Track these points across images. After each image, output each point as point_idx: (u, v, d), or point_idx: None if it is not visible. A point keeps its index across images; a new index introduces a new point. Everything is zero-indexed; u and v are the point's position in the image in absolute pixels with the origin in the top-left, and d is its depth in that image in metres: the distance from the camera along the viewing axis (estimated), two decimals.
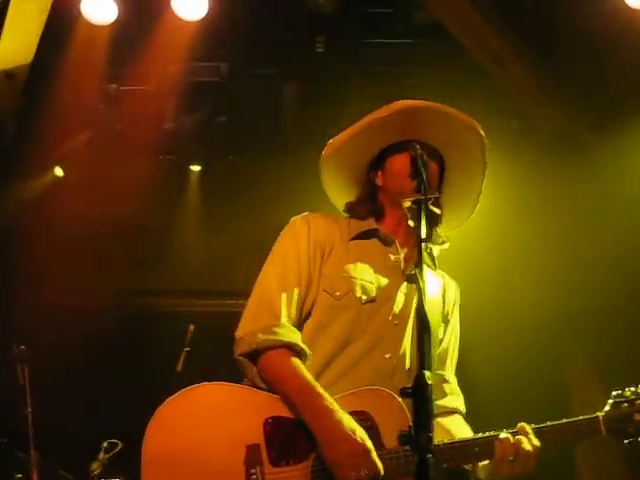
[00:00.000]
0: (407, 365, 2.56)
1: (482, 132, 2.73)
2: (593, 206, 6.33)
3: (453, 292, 2.87)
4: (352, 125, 2.80)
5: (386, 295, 2.61)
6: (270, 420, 2.34)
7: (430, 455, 1.75)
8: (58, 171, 7.16)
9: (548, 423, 2.43)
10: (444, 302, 2.81)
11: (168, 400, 2.36)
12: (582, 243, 6.44)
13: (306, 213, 2.77)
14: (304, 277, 2.58)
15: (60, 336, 6.55)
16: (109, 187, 6.79)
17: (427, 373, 1.85)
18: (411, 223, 2.31)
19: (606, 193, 6.15)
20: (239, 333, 2.49)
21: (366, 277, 2.62)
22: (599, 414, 2.44)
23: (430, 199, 2.25)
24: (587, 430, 2.43)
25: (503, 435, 2.38)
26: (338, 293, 2.57)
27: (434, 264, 2.76)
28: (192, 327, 5.66)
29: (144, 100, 6.52)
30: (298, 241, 2.64)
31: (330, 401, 2.33)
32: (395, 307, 2.61)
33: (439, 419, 2.65)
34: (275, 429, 2.33)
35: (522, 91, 6.30)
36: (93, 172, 6.90)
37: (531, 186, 6.38)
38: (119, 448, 5.42)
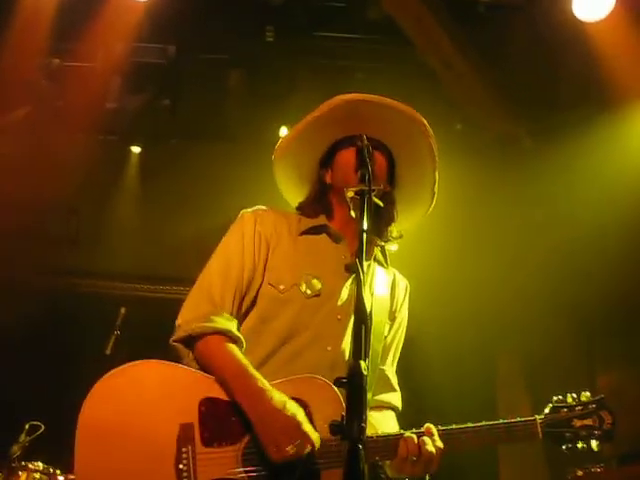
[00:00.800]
0: (347, 358, 2.56)
1: (424, 121, 2.73)
2: (532, 208, 6.47)
3: (402, 290, 2.88)
4: (297, 123, 2.79)
5: (331, 290, 2.62)
6: (205, 400, 2.35)
7: (361, 445, 1.74)
8: None
9: (483, 423, 2.42)
10: (392, 299, 2.82)
11: (106, 375, 2.36)
12: (517, 245, 6.58)
13: (256, 207, 2.77)
14: (247, 270, 2.59)
15: None
16: (45, 163, 6.61)
17: (363, 363, 1.84)
18: (353, 214, 2.31)
19: (545, 195, 6.29)
20: (178, 321, 2.52)
21: (312, 272, 2.62)
22: (537, 417, 2.44)
23: (374, 190, 2.24)
24: (523, 433, 2.42)
25: (408, 435, 2.37)
26: (282, 287, 2.58)
27: (386, 261, 2.77)
28: (123, 310, 5.56)
29: (87, 77, 6.38)
30: (244, 234, 2.65)
31: (262, 382, 2.34)
32: (339, 302, 2.61)
33: (371, 413, 2.65)
34: (209, 410, 2.33)
35: (468, 95, 6.37)
36: (30, 147, 6.71)
37: (472, 188, 6.47)
38: (41, 431, 5.29)
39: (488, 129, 6.70)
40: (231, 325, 2.50)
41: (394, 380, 2.81)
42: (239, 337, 2.48)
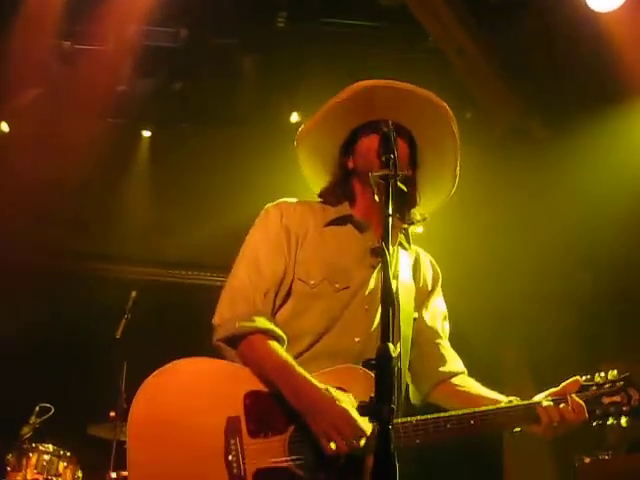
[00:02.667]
0: (374, 348, 2.57)
1: (445, 104, 2.71)
2: (540, 199, 6.47)
3: (430, 267, 2.90)
4: (317, 110, 2.78)
5: (360, 281, 2.63)
6: (250, 393, 2.40)
7: (391, 427, 1.76)
8: (4, 126, 6.95)
9: (518, 402, 2.48)
10: (418, 279, 2.83)
11: (153, 374, 2.42)
12: (523, 234, 6.58)
13: (280, 200, 2.76)
14: (279, 267, 2.60)
15: None
16: (56, 146, 6.61)
17: (391, 346, 1.85)
18: (377, 198, 2.32)
19: (554, 186, 6.29)
20: (217, 320, 2.54)
21: (341, 264, 2.63)
22: (568, 395, 2.47)
23: (398, 175, 2.25)
24: None
25: (545, 403, 2.44)
26: (312, 282, 2.59)
27: (408, 242, 2.77)
28: (134, 294, 5.58)
29: (99, 60, 6.36)
30: (271, 230, 2.65)
31: (309, 379, 2.37)
32: (367, 292, 2.62)
33: (451, 380, 2.76)
34: (254, 402, 2.39)
35: (480, 83, 6.35)
36: (40, 130, 6.72)
37: (480, 178, 6.46)
38: (51, 413, 5.33)
39: (499, 118, 6.68)
40: (271, 323, 2.53)
41: (451, 349, 2.85)
42: (281, 335, 2.51)
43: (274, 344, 2.47)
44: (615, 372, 2.53)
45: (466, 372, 2.84)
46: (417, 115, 2.71)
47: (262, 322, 2.50)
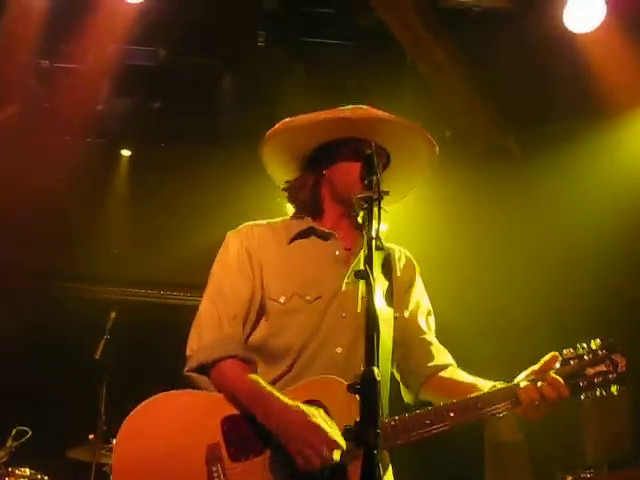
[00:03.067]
0: (358, 356, 2.55)
1: (436, 150, 2.74)
2: (519, 215, 6.52)
3: (404, 259, 2.88)
4: (311, 112, 2.73)
5: (332, 289, 2.61)
6: (226, 419, 2.42)
7: (377, 452, 1.75)
8: None
9: (497, 384, 2.45)
10: (389, 275, 2.79)
11: (130, 415, 2.45)
12: (506, 249, 6.61)
13: (241, 226, 2.76)
14: (243, 290, 2.61)
15: None
16: (33, 165, 6.56)
17: (375, 370, 1.85)
18: (360, 220, 2.31)
19: (534, 203, 6.34)
20: (188, 352, 2.57)
21: (308, 276, 2.62)
22: (550, 373, 2.42)
23: (382, 197, 2.25)
24: None
25: (524, 384, 2.41)
26: (283, 299, 2.58)
27: (381, 243, 2.76)
28: (113, 314, 5.55)
29: (77, 79, 6.34)
30: (232, 256, 2.66)
31: (279, 397, 2.37)
32: (343, 300, 2.60)
33: (440, 374, 2.72)
34: (232, 427, 2.40)
35: (458, 102, 6.41)
36: (18, 149, 6.65)
37: (458, 196, 6.51)
38: (28, 436, 5.26)
39: (476, 137, 6.73)
40: (239, 348, 2.54)
41: (437, 343, 2.81)
42: (249, 357, 2.54)
43: (242, 368, 2.50)
44: (598, 341, 2.47)
45: (455, 364, 2.79)
46: (396, 138, 2.71)
47: (230, 347, 2.52)
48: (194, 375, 2.53)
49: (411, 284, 2.86)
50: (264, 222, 2.80)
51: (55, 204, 6.73)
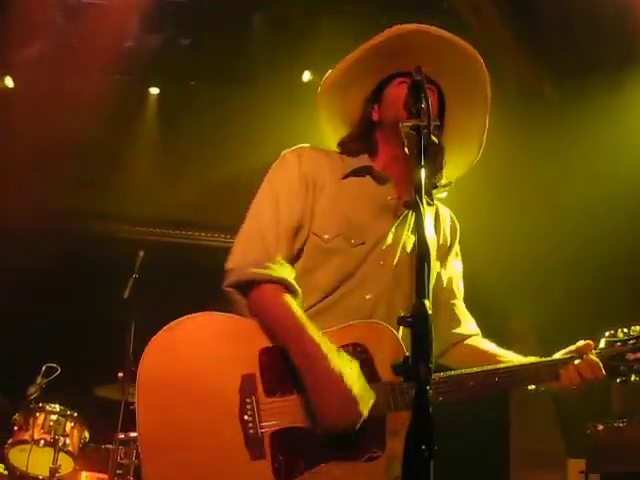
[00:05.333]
0: (386, 306, 2.49)
1: (480, 59, 2.60)
2: (555, 163, 6.37)
3: (449, 220, 2.81)
4: (344, 58, 2.64)
5: (377, 236, 2.52)
6: (265, 350, 2.30)
7: (429, 387, 1.68)
8: (8, 81, 6.80)
9: (541, 359, 2.47)
10: (439, 234, 2.75)
11: (164, 328, 2.29)
12: (537, 198, 6.50)
13: (298, 146, 2.62)
14: (296, 214, 2.48)
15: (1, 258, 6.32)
16: (61, 103, 6.46)
17: (427, 302, 1.77)
18: (407, 150, 2.21)
19: (569, 151, 6.19)
20: (229, 265, 2.40)
21: (357, 218, 2.52)
22: (593, 352, 2.47)
23: (430, 124, 2.13)
24: None
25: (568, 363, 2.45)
26: (327, 236, 2.47)
27: (431, 199, 2.68)
28: (142, 253, 5.50)
29: (105, 15, 6.21)
30: (290, 177, 2.52)
31: (319, 345, 2.24)
32: (384, 246, 2.52)
33: (465, 342, 2.74)
34: (270, 360, 2.28)
35: (496, 43, 6.22)
36: (45, 86, 6.58)
37: (497, 137, 6.36)
38: (58, 373, 5.28)
39: (513, 81, 6.56)
40: (287, 274, 2.39)
41: (466, 311, 2.82)
42: (296, 288, 2.38)
43: (287, 299, 2.33)
44: (638, 328, 2.52)
45: (480, 334, 2.79)
46: (450, 66, 2.58)
47: (276, 270, 2.36)
48: (233, 292, 2.37)
49: (452, 244, 2.81)
50: (322, 149, 2.67)
51: (83, 143, 6.67)
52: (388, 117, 2.57)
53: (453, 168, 2.74)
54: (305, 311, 2.38)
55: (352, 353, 2.29)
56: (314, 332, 2.26)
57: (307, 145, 2.64)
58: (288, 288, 2.36)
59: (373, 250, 2.51)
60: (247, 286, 2.36)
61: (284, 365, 2.27)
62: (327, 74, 2.68)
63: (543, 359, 2.48)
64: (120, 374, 5.23)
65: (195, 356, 2.28)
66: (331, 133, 2.79)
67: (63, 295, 6.71)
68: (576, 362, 2.43)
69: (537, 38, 6.21)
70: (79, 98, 6.41)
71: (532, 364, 2.46)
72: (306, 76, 6.61)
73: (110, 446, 5.31)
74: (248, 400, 2.23)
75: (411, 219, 2.59)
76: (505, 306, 7.00)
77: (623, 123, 5.70)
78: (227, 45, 6.54)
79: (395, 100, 2.53)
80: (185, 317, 2.30)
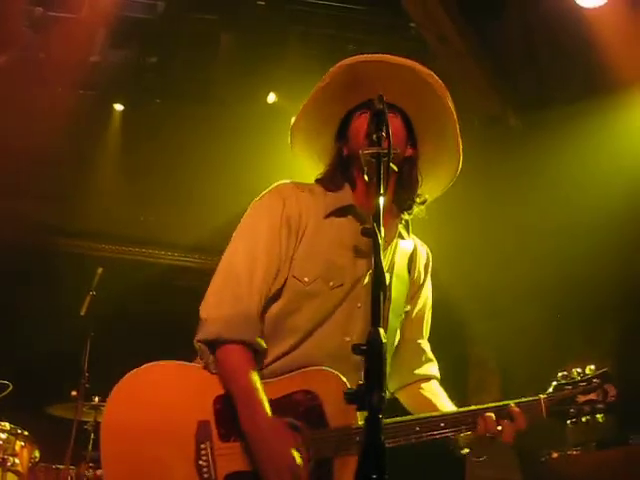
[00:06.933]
0: None
1: (436, 77, 2.57)
2: (516, 188, 6.45)
3: (424, 258, 2.81)
4: (306, 100, 2.64)
5: (355, 278, 2.53)
6: (219, 398, 2.37)
7: (381, 416, 1.67)
8: None
9: (489, 404, 2.46)
10: (413, 270, 2.74)
11: (124, 378, 2.39)
12: (498, 227, 6.55)
13: (282, 184, 2.61)
14: (274, 260, 2.48)
15: None
16: (25, 116, 6.39)
17: (381, 330, 1.77)
18: (366, 178, 2.22)
19: (531, 175, 6.27)
20: (202, 314, 2.44)
21: (337, 260, 2.52)
22: (541, 396, 2.48)
23: (390, 153, 2.12)
24: (527, 413, 2.45)
25: (487, 414, 2.44)
26: (306, 279, 2.48)
27: (407, 231, 2.67)
28: (100, 270, 5.44)
29: (72, 29, 6.16)
30: (272, 223, 2.51)
31: (266, 412, 2.31)
32: (362, 290, 2.53)
33: (419, 385, 2.76)
34: (224, 406, 2.36)
35: (460, 71, 6.28)
36: (7, 98, 6.47)
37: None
38: (9, 390, 5.17)
39: (477, 107, 6.63)
40: (254, 332, 2.43)
41: (429, 351, 2.83)
42: (261, 346, 2.43)
43: (249, 359, 2.39)
44: (593, 367, 2.53)
45: (438, 378, 2.81)
46: (406, 89, 2.56)
47: (245, 330, 2.40)
48: (203, 348, 2.41)
49: (424, 283, 2.81)
50: (305, 184, 2.65)
51: (46, 156, 6.59)
52: (354, 149, 2.56)
53: (434, 188, 2.73)
54: (285, 353, 2.46)
55: (302, 399, 2.37)
56: (263, 397, 2.33)
57: (290, 183, 2.63)
58: (253, 348, 2.42)
59: (350, 292, 2.52)
60: (215, 344, 2.40)
61: (237, 412, 2.33)
62: (294, 119, 2.66)
63: (465, 408, 2.49)
64: (74, 392, 5.14)
65: (154, 404, 2.37)
66: (310, 166, 2.77)
67: (17, 310, 6.60)
68: (492, 413, 2.42)
69: (501, 67, 6.30)
70: (43, 111, 6.34)
71: (451, 412, 2.50)
72: (271, 98, 6.62)
73: (61, 466, 5.20)
74: (203, 446, 2.31)
75: (389, 258, 2.60)
76: (465, 333, 7.03)
77: (584, 150, 5.79)
78: (193, 64, 6.54)
79: (357, 132, 2.53)
80: (141, 368, 2.39)
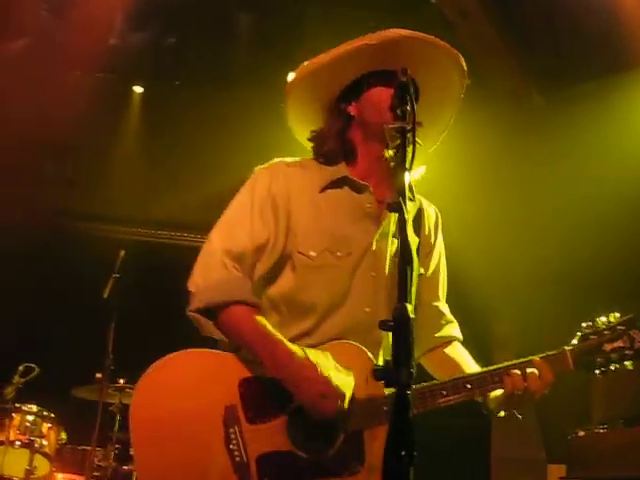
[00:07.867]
0: (385, 316, 2.46)
1: (465, 67, 2.54)
2: (537, 166, 6.38)
3: (433, 217, 2.76)
4: (327, 51, 2.55)
5: (362, 246, 2.50)
6: (243, 381, 2.37)
7: (409, 392, 1.65)
8: None
9: (514, 361, 2.40)
10: (421, 231, 2.69)
11: (148, 371, 2.39)
12: (520, 205, 6.49)
13: (272, 162, 2.57)
14: (259, 234, 2.46)
15: None
16: (44, 99, 6.38)
17: (409, 306, 1.74)
18: (390, 152, 2.17)
19: (553, 154, 6.20)
20: (191, 287, 2.41)
21: (340, 230, 2.49)
22: (566, 348, 2.42)
23: (415, 128, 2.09)
24: (555, 366, 2.39)
25: (513, 371, 2.38)
26: (313, 253, 2.45)
27: (412, 194, 2.63)
28: (123, 253, 5.44)
29: (90, 12, 6.15)
30: (256, 197, 2.49)
31: (288, 345, 2.31)
32: (373, 258, 2.50)
33: (442, 350, 2.69)
34: (249, 389, 2.36)
35: (483, 48, 6.21)
36: (27, 82, 6.49)
37: (476, 143, 6.35)
38: (35, 373, 5.21)
39: (499, 83, 6.56)
40: (247, 291, 2.41)
41: (448, 313, 2.77)
42: (257, 303, 2.42)
43: (251, 313, 2.38)
44: (617, 315, 2.47)
45: (460, 339, 2.75)
46: (434, 72, 2.52)
47: (237, 292, 2.39)
48: (198, 317, 2.39)
49: (435, 244, 2.75)
50: (296, 161, 2.61)
51: (65, 140, 6.60)
52: (370, 117, 2.51)
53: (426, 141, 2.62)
54: (306, 332, 2.44)
55: None
56: (280, 337, 2.33)
57: (280, 160, 2.59)
58: (251, 305, 2.40)
59: (361, 261, 2.49)
60: (213, 311, 2.38)
61: (263, 392, 2.35)
62: (306, 63, 2.58)
63: (490, 367, 2.43)
64: (98, 375, 5.16)
65: (180, 394, 2.38)
66: (298, 125, 2.70)
67: (42, 294, 6.63)
68: (528, 370, 2.37)
69: (524, 43, 6.22)
70: (62, 95, 6.34)
71: (476, 372, 2.45)
72: (291, 78, 6.57)
73: (87, 447, 5.25)
74: (232, 430, 2.32)
75: (394, 223, 2.56)
76: (488, 312, 6.99)
77: (608, 129, 5.70)
78: (212, 46, 6.52)
79: (379, 100, 2.46)
80: (166, 357, 2.40)
